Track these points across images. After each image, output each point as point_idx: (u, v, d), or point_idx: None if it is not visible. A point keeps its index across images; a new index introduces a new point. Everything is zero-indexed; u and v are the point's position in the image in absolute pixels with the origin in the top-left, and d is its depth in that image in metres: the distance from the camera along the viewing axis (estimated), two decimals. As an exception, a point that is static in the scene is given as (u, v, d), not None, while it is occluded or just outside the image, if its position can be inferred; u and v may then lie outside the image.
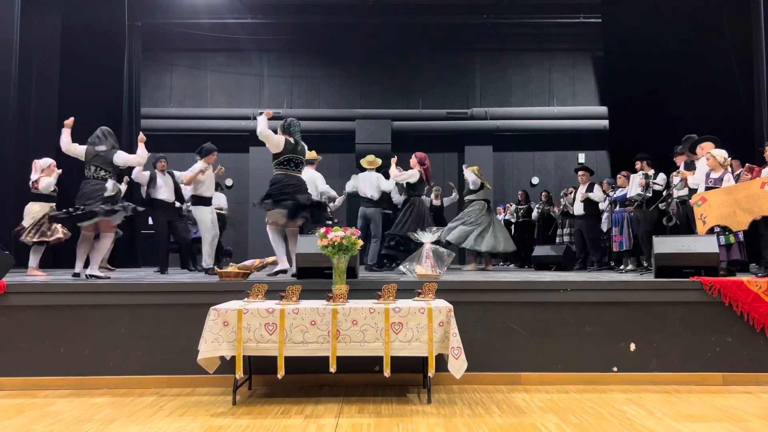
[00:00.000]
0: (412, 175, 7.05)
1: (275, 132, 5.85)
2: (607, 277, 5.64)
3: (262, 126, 5.74)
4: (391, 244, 6.96)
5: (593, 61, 13.60)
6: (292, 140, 5.85)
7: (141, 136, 5.97)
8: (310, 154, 6.96)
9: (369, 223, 7.44)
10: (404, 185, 7.23)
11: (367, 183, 7.57)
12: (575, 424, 3.28)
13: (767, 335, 4.31)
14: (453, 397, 3.93)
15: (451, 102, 13.60)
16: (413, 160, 7.20)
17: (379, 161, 7.79)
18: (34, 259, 6.77)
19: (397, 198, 7.96)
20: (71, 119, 5.71)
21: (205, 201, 6.57)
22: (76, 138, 5.71)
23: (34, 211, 6.72)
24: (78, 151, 5.62)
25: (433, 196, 9.77)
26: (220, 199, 8.98)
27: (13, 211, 7.50)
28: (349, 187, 8.13)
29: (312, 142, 6.89)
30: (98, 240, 5.51)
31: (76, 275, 5.45)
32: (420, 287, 4.03)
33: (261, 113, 5.96)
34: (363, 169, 7.82)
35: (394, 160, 7.29)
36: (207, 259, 6.46)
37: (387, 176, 7.52)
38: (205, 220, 6.52)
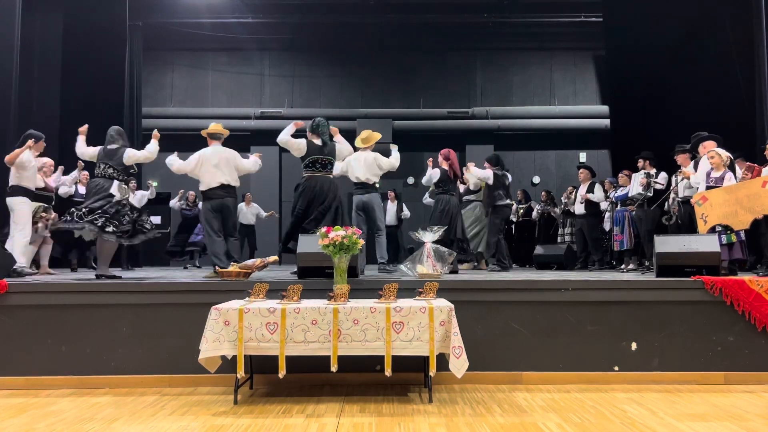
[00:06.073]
0: (433, 175, 6.98)
1: (304, 133, 5.84)
2: (609, 276, 5.63)
3: (282, 134, 5.76)
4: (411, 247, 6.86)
5: (594, 60, 13.59)
6: (319, 141, 5.83)
7: (155, 132, 5.79)
8: (213, 128, 5.86)
9: (369, 214, 6.18)
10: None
11: (362, 164, 6.18)
12: (577, 424, 3.28)
13: (769, 334, 4.32)
14: (454, 397, 3.93)
15: (452, 101, 13.60)
16: (440, 159, 7.14)
17: (378, 136, 6.39)
18: None
19: (427, 199, 7.75)
20: (85, 126, 5.63)
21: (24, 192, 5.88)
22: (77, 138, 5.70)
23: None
24: (91, 153, 5.56)
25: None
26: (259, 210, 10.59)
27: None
28: (336, 169, 6.27)
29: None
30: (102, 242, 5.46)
31: (100, 276, 5.33)
32: (421, 287, 4.03)
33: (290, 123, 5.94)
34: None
35: (429, 162, 7.17)
36: (21, 258, 5.77)
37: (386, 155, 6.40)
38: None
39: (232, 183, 5.67)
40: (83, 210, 5.15)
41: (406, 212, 10.52)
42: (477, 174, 7.39)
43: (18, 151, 5.81)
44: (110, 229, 5.12)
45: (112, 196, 5.27)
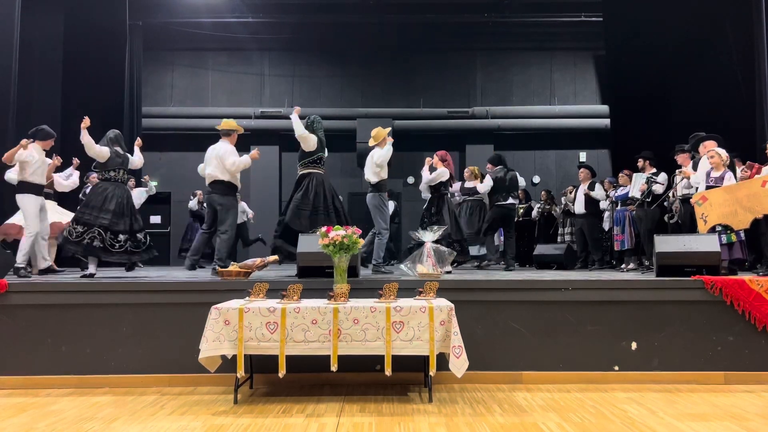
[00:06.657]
0: (443, 173, 6.96)
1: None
2: (609, 276, 5.62)
3: (300, 127, 5.84)
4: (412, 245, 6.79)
5: (594, 59, 13.58)
6: (318, 138, 5.98)
7: (138, 141, 6.11)
8: (226, 123, 5.94)
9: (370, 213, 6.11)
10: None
11: (366, 164, 6.21)
12: (577, 423, 3.28)
13: (769, 334, 4.32)
14: (454, 396, 3.93)
15: (452, 101, 13.58)
16: (436, 159, 7.13)
17: (385, 131, 6.18)
18: None
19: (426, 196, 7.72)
20: (87, 119, 5.56)
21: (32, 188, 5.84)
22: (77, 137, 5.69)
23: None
24: (105, 154, 5.54)
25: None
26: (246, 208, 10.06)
27: (15, 209, 7.48)
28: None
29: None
30: None
31: (90, 276, 5.35)
32: (421, 286, 4.03)
33: (291, 112, 6.01)
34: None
35: (428, 161, 7.04)
36: (20, 256, 5.68)
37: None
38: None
39: (219, 177, 5.66)
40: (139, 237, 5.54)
41: None
42: (481, 190, 7.82)
43: (13, 151, 5.75)
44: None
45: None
